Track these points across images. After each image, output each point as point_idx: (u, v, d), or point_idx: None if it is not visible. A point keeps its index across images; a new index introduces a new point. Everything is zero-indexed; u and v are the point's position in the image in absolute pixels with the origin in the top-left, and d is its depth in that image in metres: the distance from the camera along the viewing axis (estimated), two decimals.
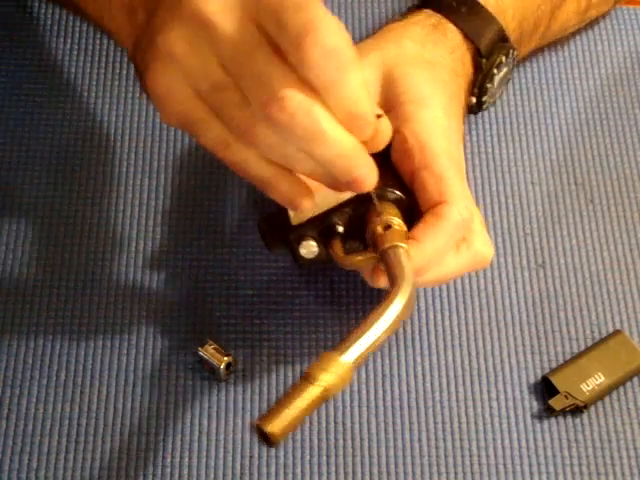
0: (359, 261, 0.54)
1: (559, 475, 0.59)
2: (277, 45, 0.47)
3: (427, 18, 0.64)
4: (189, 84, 0.49)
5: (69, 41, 0.73)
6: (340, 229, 0.55)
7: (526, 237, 0.67)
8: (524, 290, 0.65)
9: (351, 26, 0.76)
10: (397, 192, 0.55)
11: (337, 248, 0.55)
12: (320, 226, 0.55)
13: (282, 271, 0.64)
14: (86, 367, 0.60)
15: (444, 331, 0.63)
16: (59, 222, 0.65)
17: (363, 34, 0.75)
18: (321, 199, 0.54)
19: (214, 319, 0.62)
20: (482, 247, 0.57)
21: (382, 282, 0.54)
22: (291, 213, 0.55)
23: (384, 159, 0.54)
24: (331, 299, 0.64)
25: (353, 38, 0.48)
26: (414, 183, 0.56)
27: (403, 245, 0.52)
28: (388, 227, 0.53)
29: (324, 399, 0.46)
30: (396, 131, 0.55)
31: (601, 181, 0.70)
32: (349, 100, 0.47)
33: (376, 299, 0.63)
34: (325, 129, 0.47)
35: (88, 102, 0.71)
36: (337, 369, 0.46)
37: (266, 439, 0.46)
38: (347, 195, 0.55)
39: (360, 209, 0.55)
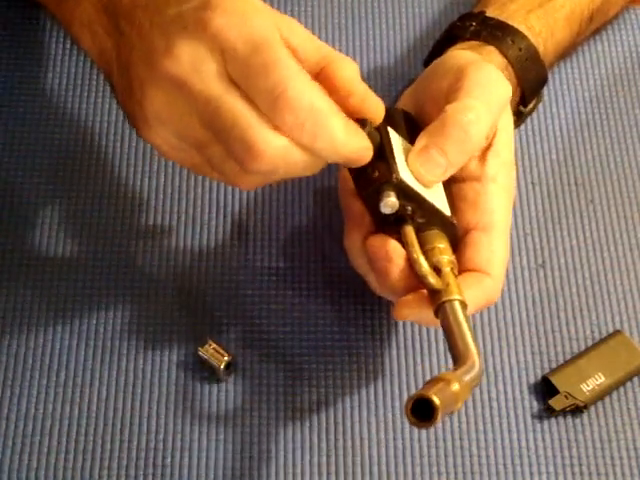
0: (426, 273, 0.53)
1: (559, 475, 0.59)
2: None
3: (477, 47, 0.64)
4: (180, 140, 0.51)
5: (69, 41, 0.73)
6: (421, 220, 0.55)
7: (526, 237, 0.67)
8: (524, 290, 0.65)
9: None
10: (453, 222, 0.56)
11: (411, 233, 0.54)
12: (415, 201, 0.54)
13: (282, 271, 0.64)
14: (86, 367, 0.60)
15: None
16: (58, 222, 0.65)
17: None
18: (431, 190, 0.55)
19: (214, 319, 0.62)
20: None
21: (402, 317, 0.56)
22: (399, 167, 0.54)
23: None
24: (331, 299, 0.64)
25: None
26: (467, 235, 0.57)
27: (458, 298, 0.53)
28: (439, 270, 0.54)
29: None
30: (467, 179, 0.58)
31: (601, 181, 0.70)
32: (334, 149, 0.50)
33: (377, 303, 0.63)
34: (307, 164, 0.50)
35: (88, 102, 0.71)
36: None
37: (425, 414, 0.46)
38: (444, 205, 0.56)
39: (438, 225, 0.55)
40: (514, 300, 0.64)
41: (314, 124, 0.48)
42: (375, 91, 0.72)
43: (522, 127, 0.71)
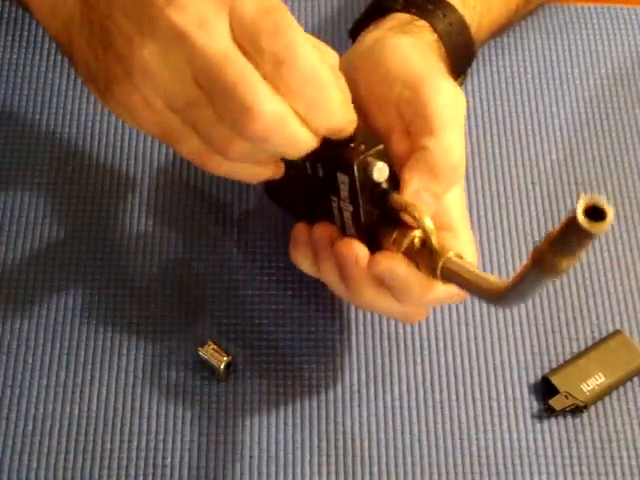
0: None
1: (559, 475, 0.59)
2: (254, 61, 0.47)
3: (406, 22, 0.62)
4: (163, 99, 0.49)
5: None
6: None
7: (526, 237, 0.67)
8: None
9: None
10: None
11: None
12: None
13: (282, 271, 0.64)
14: (86, 367, 0.60)
15: (444, 331, 0.63)
16: (59, 222, 0.65)
17: None
18: None
19: (214, 319, 0.63)
20: None
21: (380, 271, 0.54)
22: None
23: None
24: (331, 299, 0.64)
25: None
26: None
27: (455, 252, 0.51)
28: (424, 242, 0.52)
29: None
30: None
31: (601, 181, 0.70)
32: (330, 119, 0.49)
33: None
34: (300, 139, 0.49)
35: (88, 102, 0.71)
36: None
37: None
38: None
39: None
40: None
41: (315, 91, 0.48)
42: None
43: (522, 127, 0.71)
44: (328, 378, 0.61)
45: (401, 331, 0.63)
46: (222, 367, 0.59)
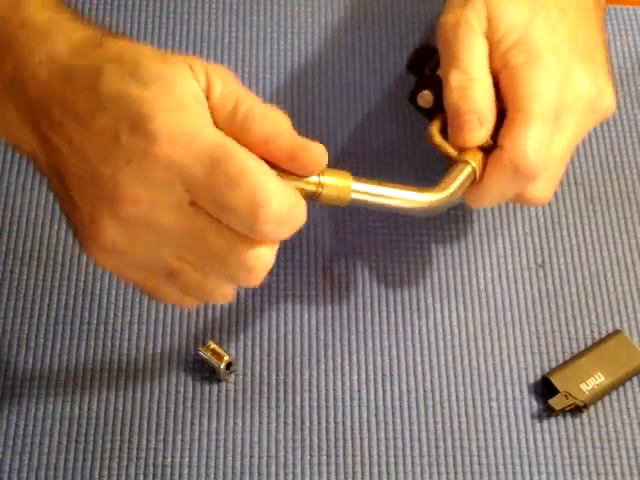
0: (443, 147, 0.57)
1: (559, 475, 0.59)
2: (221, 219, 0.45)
3: None
4: (140, 269, 0.48)
5: None
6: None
7: (526, 237, 0.67)
8: (524, 290, 0.65)
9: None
10: None
11: (436, 125, 0.58)
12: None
13: (282, 271, 0.64)
14: (86, 367, 0.60)
15: (444, 331, 0.63)
16: (59, 222, 0.65)
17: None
18: None
19: (214, 319, 0.63)
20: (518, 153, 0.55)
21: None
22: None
23: None
24: (331, 299, 0.64)
25: None
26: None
27: (473, 164, 0.55)
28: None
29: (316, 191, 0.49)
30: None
31: (601, 181, 0.70)
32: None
33: (377, 303, 0.63)
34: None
35: None
36: (342, 182, 0.49)
37: None
38: None
39: None
40: (514, 300, 0.64)
41: (292, 224, 0.47)
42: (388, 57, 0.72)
43: None
44: (328, 378, 0.61)
45: (401, 331, 0.63)
46: (222, 367, 0.59)
